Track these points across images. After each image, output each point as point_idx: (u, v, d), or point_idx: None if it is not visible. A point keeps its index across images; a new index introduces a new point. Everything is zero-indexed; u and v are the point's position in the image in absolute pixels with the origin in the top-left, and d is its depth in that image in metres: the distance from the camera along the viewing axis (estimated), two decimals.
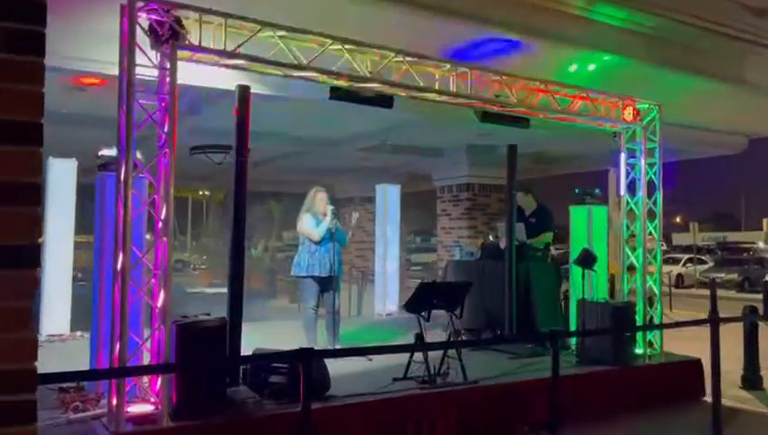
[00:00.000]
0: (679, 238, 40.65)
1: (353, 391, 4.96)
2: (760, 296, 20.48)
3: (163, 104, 4.33)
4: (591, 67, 7.65)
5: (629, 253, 6.84)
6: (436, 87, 5.50)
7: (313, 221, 6.75)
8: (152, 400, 4.20)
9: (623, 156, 6.80)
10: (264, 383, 4.69)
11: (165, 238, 4.20)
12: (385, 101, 5.43)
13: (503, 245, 7.49)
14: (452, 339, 5.65)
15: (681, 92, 8.09)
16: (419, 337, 5.37)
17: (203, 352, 4.21)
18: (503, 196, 11.65)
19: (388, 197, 10.56)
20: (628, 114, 6.53)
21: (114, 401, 4.02)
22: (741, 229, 53.14)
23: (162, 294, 4.18)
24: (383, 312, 10.35)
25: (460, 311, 5.64)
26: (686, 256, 27.63)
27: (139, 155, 4.31)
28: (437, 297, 5.44)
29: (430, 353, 5.33)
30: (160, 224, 4.25)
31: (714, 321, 5.32)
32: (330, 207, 6.75)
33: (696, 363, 6.77)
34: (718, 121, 9.37)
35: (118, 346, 4.04)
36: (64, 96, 7.16)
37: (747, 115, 9.44)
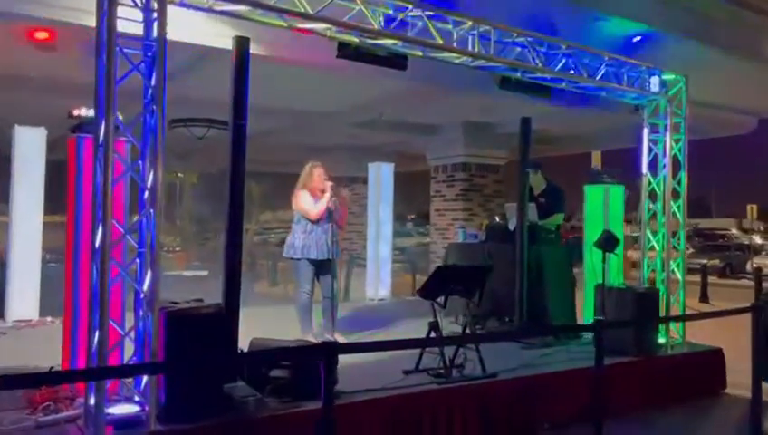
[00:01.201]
0: (652, 224, 40.66)
1: (362, 385, 4.40)
2: (742, 282, 20.59)
3: (149, 54, 3.70)
4: None
5: (650, 236, 6.38)
6: (455, 46, 4.93)
7: (311, 198, 6.16)
8: (137, 399, 3.60)
9: (646, 131, 6.31)
10: (265, 379, 4.11)
11: (152, 210, 3.59)
12: (398, 61, 4.86)
13: (512, 226, 6.98)
14: (468, 328, 5.11)
15: (695, 66, 7.62)
16: (434, 326, 4.85)
17: (198, 344, 3.60)
18: (500, 177, 11.19)
19: (382, 175, 10.00)
20: (655, 84, 6.05)
21: (92, 401, 3.42)
22: (711, 216, 53.54)
23: (149, 276, 3.57)
24: (375, 297, 9.83)
25: (479, 297, 5.12)
26: None
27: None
28: (455, 282, 4.90)
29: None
30: (146, 193, 3.62)
31: (755, 309, 4.93)
32: (329, 184, 6.16)
33: (718, 353, 6.40)
34: (731, 99, 8.96)
35: (97, 337, 3.43)
36: (30, 56, 6.42)
37: (760, 93, 9.05)
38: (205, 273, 10.89)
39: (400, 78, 6.55)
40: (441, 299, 5.03)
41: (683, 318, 5.97)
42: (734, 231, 37.54)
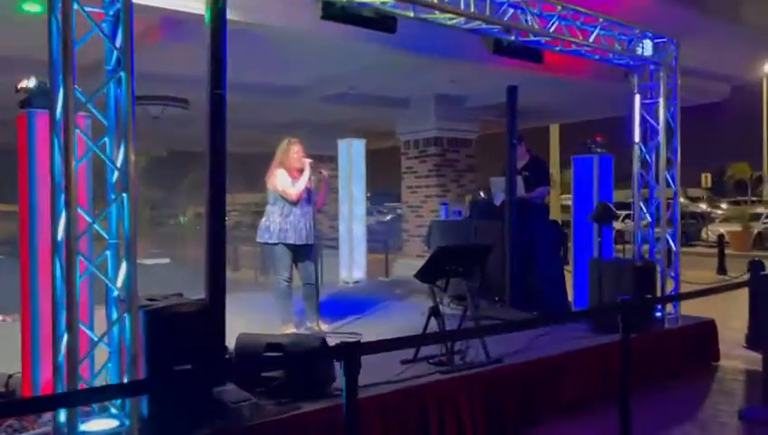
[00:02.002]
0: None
1: (362, 380, 4.01)
2: (698, 250, 20.95)
3: (112, 12, 3.17)
4: None
5: (643, 207, 6.14)
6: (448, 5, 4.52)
7: (289, 178, 5.69)
8: (114, 412, 3.13)
9: (637, 97, 6.04)
10: (256, 379, 3.69)
11: (125, 195, 3.09)
12: (387, 22, 4.42)
13: (498, 201, 6.67)
14: (469, 311, 4.77)
15: (679, 30, 7.39)
16: (435, 311, 4.49)
17: (185, 346, 3.14)
18: (472, 151, 10.83)
19: (353, 152, 9.56)
20: (647, 48, 5.77)
21: (63, 418, 2.93)
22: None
23: (124, 271, 3.08)
24: (350, 279, 9.42)
25: (480, 278, 4.77)
26: (624, 213, 27.82)
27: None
28: (456, 263, 4.53)
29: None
30: (116, 175, 3.12)
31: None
32: (307, 161, 5.70)
33: (711, 324, 6.27)
34: (711, 65, 8.78)
35: (65, 342, 2.93)
36: None
37: (739, 59, 8.92)
38: (166, 260, 10.28)
39: (376, 46, 6.14)
40: (441, 282, 4.67)
41: (694, 295, 5.71)
42: (683, 200, 38.53)
